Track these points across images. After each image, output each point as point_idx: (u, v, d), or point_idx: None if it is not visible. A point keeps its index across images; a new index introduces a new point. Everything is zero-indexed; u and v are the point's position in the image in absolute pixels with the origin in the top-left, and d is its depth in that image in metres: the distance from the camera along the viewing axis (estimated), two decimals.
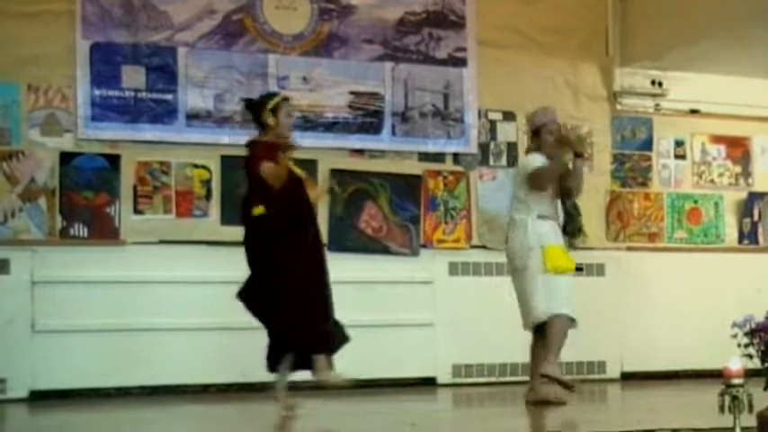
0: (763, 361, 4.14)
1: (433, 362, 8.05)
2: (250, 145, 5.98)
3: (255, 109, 5.99)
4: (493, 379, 8.16)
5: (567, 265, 6.10)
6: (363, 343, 7.79)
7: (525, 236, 6.08)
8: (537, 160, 6.21)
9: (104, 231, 7.41)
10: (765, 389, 4.15)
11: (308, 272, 5.79)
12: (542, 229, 6.10)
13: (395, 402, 6.72)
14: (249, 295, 5.90)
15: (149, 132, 7.56)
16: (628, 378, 8.46)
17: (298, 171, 5.99)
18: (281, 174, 5.74)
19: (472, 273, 8.26)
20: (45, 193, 7.32)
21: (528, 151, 6.47)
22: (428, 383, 7.98)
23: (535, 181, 6.13)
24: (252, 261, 5.87)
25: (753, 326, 4.14)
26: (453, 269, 8.23)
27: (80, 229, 7.36)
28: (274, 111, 5.91)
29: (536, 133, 6.31)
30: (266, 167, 5.75)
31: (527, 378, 8.05)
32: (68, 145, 7.40)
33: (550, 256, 6.04)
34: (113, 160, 7.48)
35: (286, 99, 6.11)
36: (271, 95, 6.19)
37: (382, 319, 7.81)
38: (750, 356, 4.15)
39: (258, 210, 5.77)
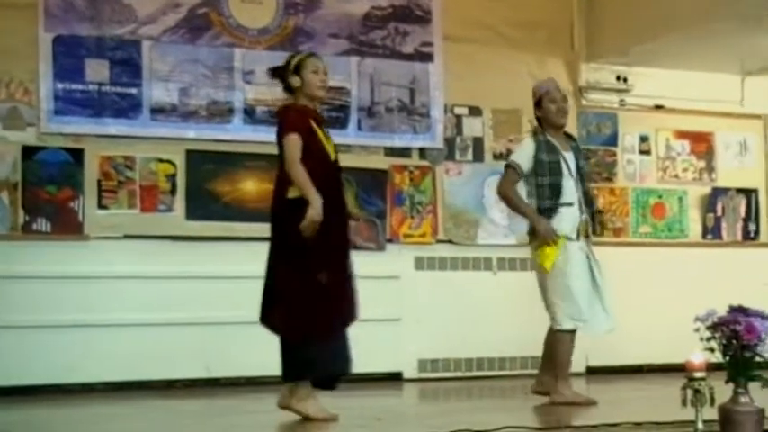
0: (724, 354, 4.18)
1: (400, 357, 8.05)
2: (281, 112, 5.39)
3: (281, 73, 5.37)
4: (459, 374, 8.19)
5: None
6: None
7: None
8: (521, 150, 6.05)
9: (68, 226, 7.35)
10: (727, 382, 4.19)
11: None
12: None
13: (361, 397, 6.71)
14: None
15: (113, 127, 7.50)
16: (593, 372, 8.50)
17: (331, 151, 5.36)
18: (296, 156, 5.08)
19: (438, 267, 8.27)
20: (7, 187, 7.24)
21: (535, 132, 6.13)
22: (394, 378, 7.99)
23: (500, 189, 6.08)
24: (282, 256, 5.17)
25: (715, 320, 4.18)
26: (419, 264, 8.23)
27: (43, 224, 7.30)
28: (297, 70, 5.29)
29: (538, 104, 6.13)
30: (289, 141, 5.11)
31: (493, 373, 8.12)
32: (31, 139, 7.33)
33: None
34: (77, 155, 7.42)
35: (311, 55, 5.47)
36: (291, 56, 5.46)
37: None
38: (712, 350, 4.19)
39: (294, 191, 5.12)
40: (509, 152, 8.46)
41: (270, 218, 5.31)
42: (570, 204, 5.94)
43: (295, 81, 5.28)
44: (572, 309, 5.88)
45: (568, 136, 6.23)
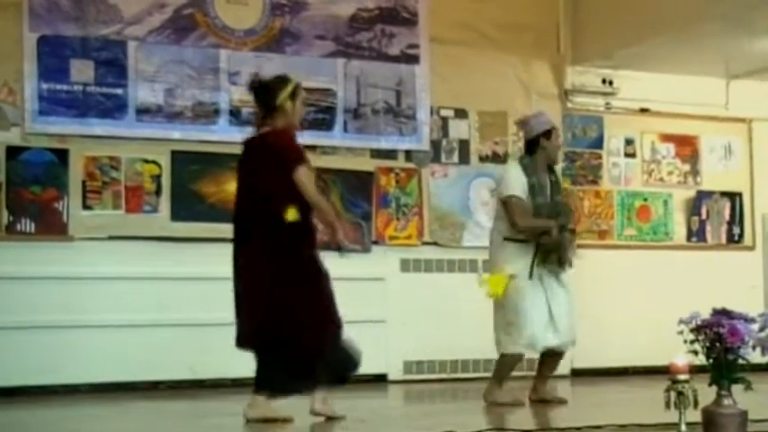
0: (708, 357, 4.19)
1: (385, 358, 8.05)
2: (272, 134, 5.30)
3: (270, 91, 5.33)
4: (444, 375, 8.19)
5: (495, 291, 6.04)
6: None
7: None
8: (514, 180, 6.07)
9: (52, 227, 7.32)
10: (710, 384, 4.20)
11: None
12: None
13: (345, 399, 6.69)
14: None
15: (99, 127, 7.48)
16: (578, 375, 8.51)
17: None
18: (313, 189, 5.28)
19: (424, 269, 8.28)
20: None
21: (522, 159, 6.24)
22: (379, 380, 7.98)
23: (510, 216, 6.05)
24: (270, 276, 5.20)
25: (698, 322, 4.19)
26: (405, 266, 8.24)
27: (27, 225, 7.26)
28: (293, 96, 5.33)
29: (534, 141, 6.18)
30: (303, 175, 5.20)
31: (478, 375, 8.11)
32: (16, 139, 7.30)
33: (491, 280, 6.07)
34: (62, 155, 7.39)
35: (299, 85, 5.45)
36: (287, 79, 5.44)
37: None
38: (696, 352, 4.19)
39: (292, 213, 5.19)
40: (495, 154, 8.53)
41: (251, 238, 5.27)
42: None
43: (288, 105, 5.30)
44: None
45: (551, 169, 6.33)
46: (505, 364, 6.16)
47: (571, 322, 6.15)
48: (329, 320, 5.27)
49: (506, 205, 6.06)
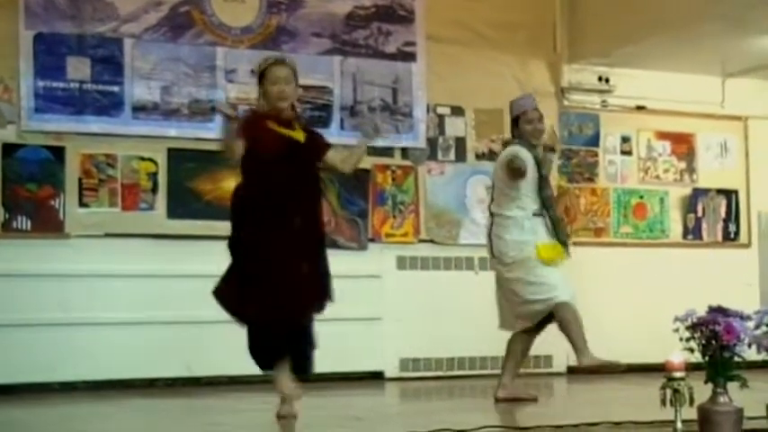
0: (704, 354, 4.20)
1: (381, 356, 8.06)
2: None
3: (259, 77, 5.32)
4: (440, 373, 8.20)
5: (560, 255, 6.10)
6: None
7: (521, 233, 6.06)
8: (512, 152, 6.12)
9: (48, 224, 7.32)
10: (706, 382, 4.21)
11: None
12: (538, 227, 6.09)
13: (342, 396, 6.72)
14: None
15: (95, 124, 7.47)
16: (574, 372, 8.51)
17: (291, 135, 5.21)
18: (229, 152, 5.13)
19: (420, 267, 8.28)
20: None
21: (506, 144, 6.35)
22: (376, 377, 7.99)
23: (512, 173, 6.07)
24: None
25: (694, 320, 4.20)
26: (401, 263, 8.24)
27: (24, 222, 7.26)
28: (261, 78, 5.24)
29: (515, 122, 6.27)
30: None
31: (474, 372, 8.12)
32: (12, 137, 7.29)
33: (544, 248, 6.05)
34: (58, 152, 7.39)
35: (276, 62, 5.28)
36: (264, 60, 5.37)
37: (330, 314, 7.75)
38: (691, 350, 4.20)
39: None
40: (491, 152, 8.53)
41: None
42: None
43: (260, 89, 5.26)
44: None
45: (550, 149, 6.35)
46: (572, 319, 6.09)
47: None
48: None
49: (515, 168, 6.02)
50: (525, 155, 6.12)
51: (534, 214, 6.12)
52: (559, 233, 6.16)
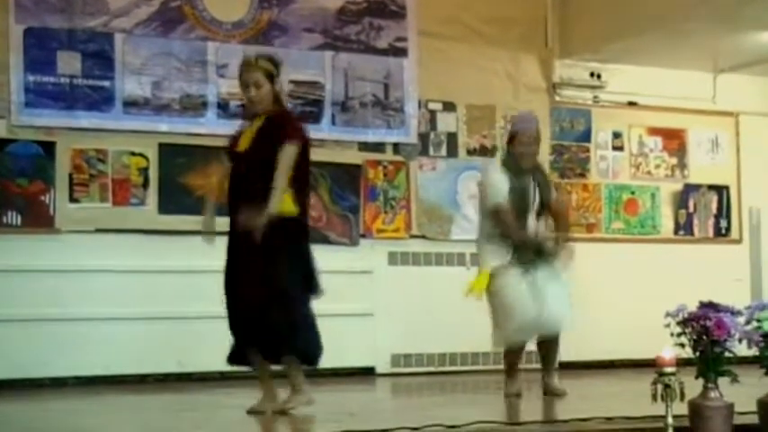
0: (694, 350, 4.20)
1: (373, 351, 8.06)
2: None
3: None
4: (432, 369, 8.20)
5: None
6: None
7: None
8: (496, 181, 6.03)
9: (39, 219, 7.30)
10: (697, 377, 4.21)
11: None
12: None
13: (334, 392, 6.71)
14: None
15: (85, 119, 7.45)
16: (566, 368, 8.50)
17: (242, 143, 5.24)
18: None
19: (412, 263, 8.28)
20: None
21: (502, 156, 6.37)
22: (367, 373, 7.99)
23: (503, 227, 6.00)
24: None
25: (685, 315, 4.20)
26: (393, 259, 8.24)
27: (14, 218, 7.24)
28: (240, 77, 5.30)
29: (511, 139, 6.19)
30: None
31: (466, 368, 8.13)
32: (2, 131, 7.27)
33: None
34: (48, 147, 7.37)
35: (245, 65, 5.30)
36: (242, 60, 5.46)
37: (322, 309, 7.65)
38: (682, 345, 4.20)
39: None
40: (483, 148, 8.54)
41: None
42: None
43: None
44: None
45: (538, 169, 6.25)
46: (504, 358, 6.22)
47: (560, 309, 6.08)
48: None
49: (497, 214, 5.99)
50: (497, 178, 6.05)
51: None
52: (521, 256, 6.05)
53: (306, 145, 5.26)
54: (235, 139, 5.33)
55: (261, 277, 5.07)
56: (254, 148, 5.16)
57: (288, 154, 5.08)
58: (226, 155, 5.34)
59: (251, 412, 5.20)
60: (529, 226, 6.04)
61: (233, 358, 5.34)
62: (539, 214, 6.11)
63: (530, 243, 6.00)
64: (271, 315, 5.07)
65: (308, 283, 5.26)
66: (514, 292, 5.97)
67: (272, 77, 5.23)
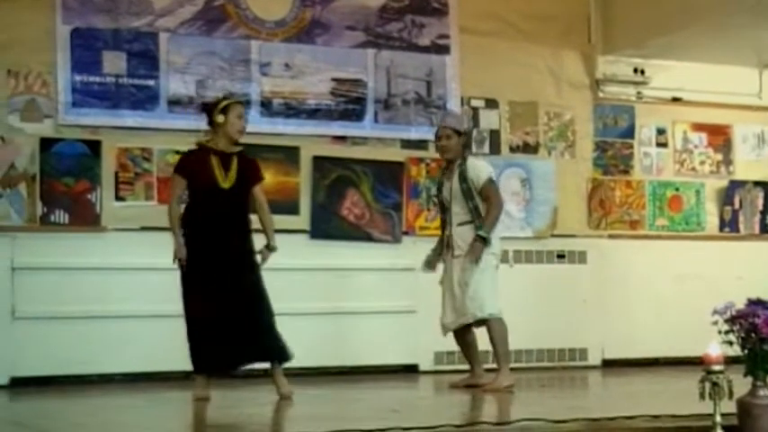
0: (743, 347, 4.17)
1: (415, 349, 8.06)
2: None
3: (209, 109, 6.06)
4: None
5: None
6: (345, 330, 7.82)
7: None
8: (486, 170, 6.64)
9: (85, 218, 7.38)
10: (745, 375, 4.18)
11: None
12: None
13: (377, 389, 6.73)
14: None
15: (130, 118, 7.52)
16: (609, 365, 8.49)
17: (221, 181, 5.98)
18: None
19: None
20: (25, 179, 7.27)
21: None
22: (410, 370, 7.99)
23: (495, 196, 6.58)
24: None
25: (733, 313, 4.17)
26: None
27: (60, 216, 7.33)
28: (225, 111, 5.97)
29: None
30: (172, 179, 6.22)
31: (511, 365, 8.09)
32: (49, 131, 7.36)
33: None
34: (94, 146, 7.44)
35: (240, 103, 6.17)
36: (225, 98, 6.24)
37: (364, 307, 7.81)
38: (730, 343, 4.18)
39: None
40: (526, 144, 8.54)
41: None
42: None
43: (219, 118, 5.94)
44: None
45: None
46: None
47: (463, 299, 6.57)
48: None
49: (491, 187, 6.56)
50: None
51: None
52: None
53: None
54: (197, 164, 5.98)
55: (250, 285, 5.94)
56: (228, 200, 5.98)
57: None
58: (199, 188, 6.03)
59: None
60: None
61: (207, 366, 5.99)
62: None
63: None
64: (263, 319, 5.93)
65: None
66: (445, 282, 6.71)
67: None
